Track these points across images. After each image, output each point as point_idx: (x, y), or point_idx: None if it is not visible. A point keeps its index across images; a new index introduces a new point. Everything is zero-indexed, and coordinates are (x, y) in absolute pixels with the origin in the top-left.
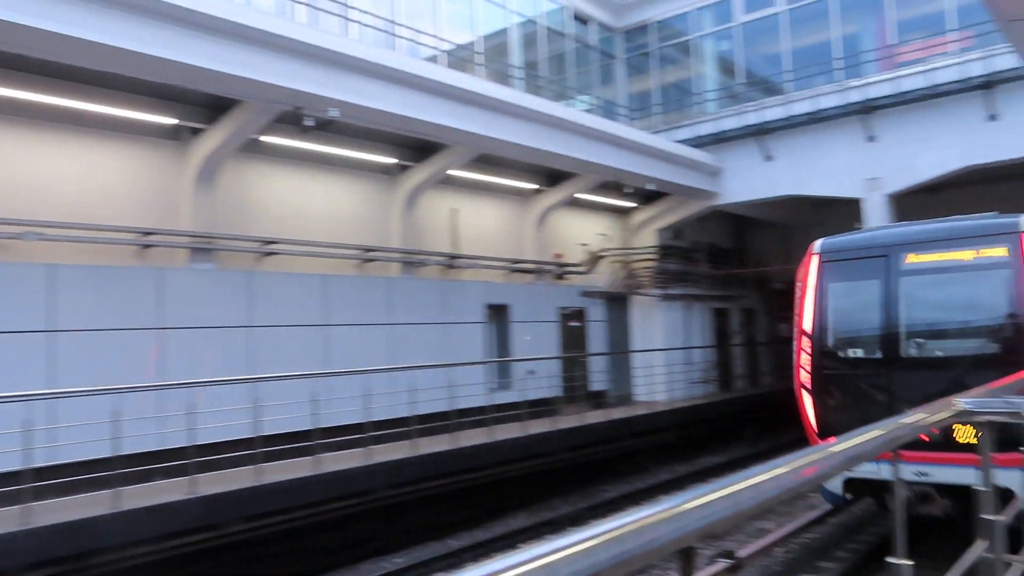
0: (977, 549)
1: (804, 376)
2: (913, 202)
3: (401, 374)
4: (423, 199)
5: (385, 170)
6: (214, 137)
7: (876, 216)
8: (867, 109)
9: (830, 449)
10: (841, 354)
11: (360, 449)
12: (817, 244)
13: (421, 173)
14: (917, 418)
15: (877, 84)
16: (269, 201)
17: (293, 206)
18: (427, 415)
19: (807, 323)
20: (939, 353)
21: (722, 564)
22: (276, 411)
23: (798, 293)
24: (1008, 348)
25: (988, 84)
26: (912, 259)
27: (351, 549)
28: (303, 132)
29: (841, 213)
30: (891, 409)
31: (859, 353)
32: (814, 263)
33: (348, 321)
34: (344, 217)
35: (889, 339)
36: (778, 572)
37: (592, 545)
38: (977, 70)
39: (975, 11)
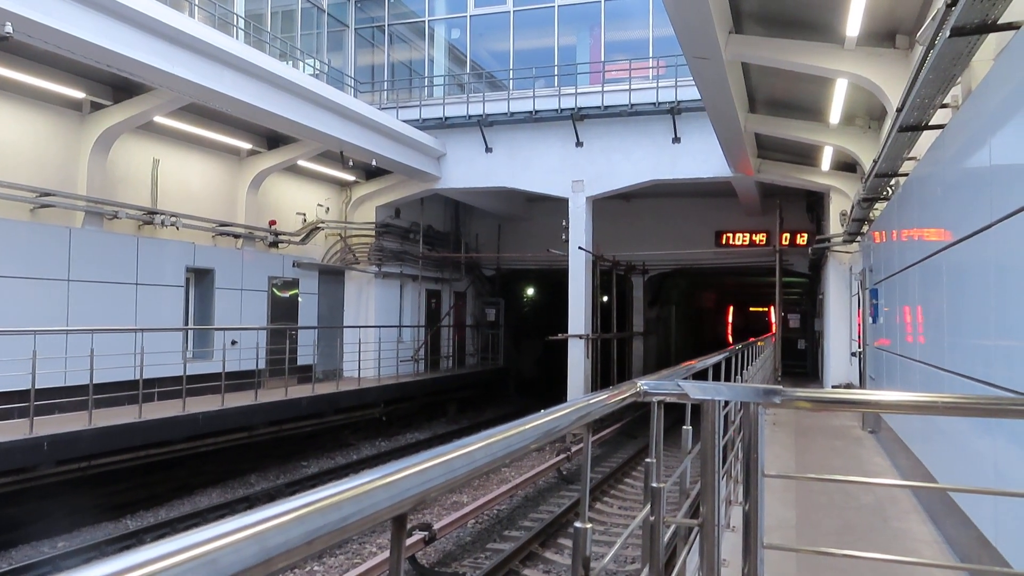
0: (644, 512)
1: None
2: (609, 207)
3: (82, 337)
4: (120, 144)
5: (74, 105)
6: None
7: (578, 216)
8: (578, 117)
9: (530, 424)
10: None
11: (22, 420)
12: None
13: (118, 114)
14: (604, 396)
15: (587, 95)
16: None
17: None
18: (111, 383)
19: (730, 320)
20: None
21: (419, 536)
22: None
23: (725, 315)
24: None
25: (674, 110)
26: (751, 308)
27: (1, 534)
28: None
29: (549, 210)
30: None
31: None
32: (731, 308)
33: (15, 273)
34: (16, 153)
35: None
36: (469, 542)
37: (306, 512)
38: (667, 96)
39: (671, 44)
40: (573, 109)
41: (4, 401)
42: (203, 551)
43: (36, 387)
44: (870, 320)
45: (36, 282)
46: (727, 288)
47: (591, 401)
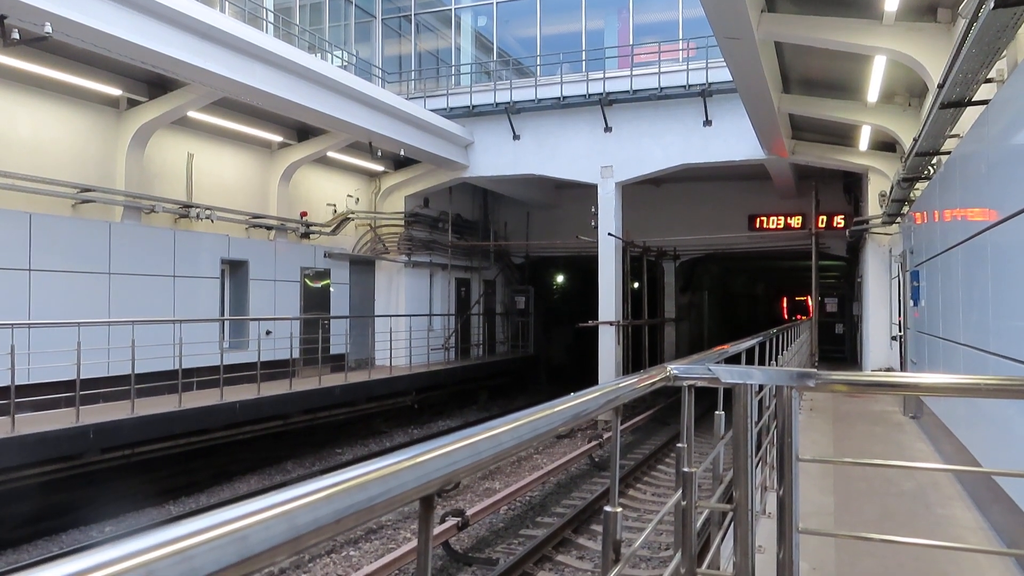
0: (675, 497)
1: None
2: (639, 192)
3: (123, 328)
4: (155, 139)
5: (111, 102)
6: None
7: (608, 202)
8: (606, 102)
9: (557, 407)
10: None
11: (68, 409)
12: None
13: (153, 110)
14: (633, 380)
15: (615, 79)
16: None
17: None
18: (151, 373)
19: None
20: None
21: (452, 522)
22: None
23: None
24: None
25: (705, 93)
26: (788, 292)
27: (51, 519)
28: (7, 46)
29: (578, 197)
30: None
31: None
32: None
33: (58, 267)
34: (57, 150)
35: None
36: (502, 528)
37: (334, 492)
38: (698, 79)
39: (701, 25)
40: (601, 94)
41: (51, 391)
42: (234, 528)
43: (81, 377)
44: (911, 303)
45: (78, 275)
46: (762, 272)
47: (620, 385)
